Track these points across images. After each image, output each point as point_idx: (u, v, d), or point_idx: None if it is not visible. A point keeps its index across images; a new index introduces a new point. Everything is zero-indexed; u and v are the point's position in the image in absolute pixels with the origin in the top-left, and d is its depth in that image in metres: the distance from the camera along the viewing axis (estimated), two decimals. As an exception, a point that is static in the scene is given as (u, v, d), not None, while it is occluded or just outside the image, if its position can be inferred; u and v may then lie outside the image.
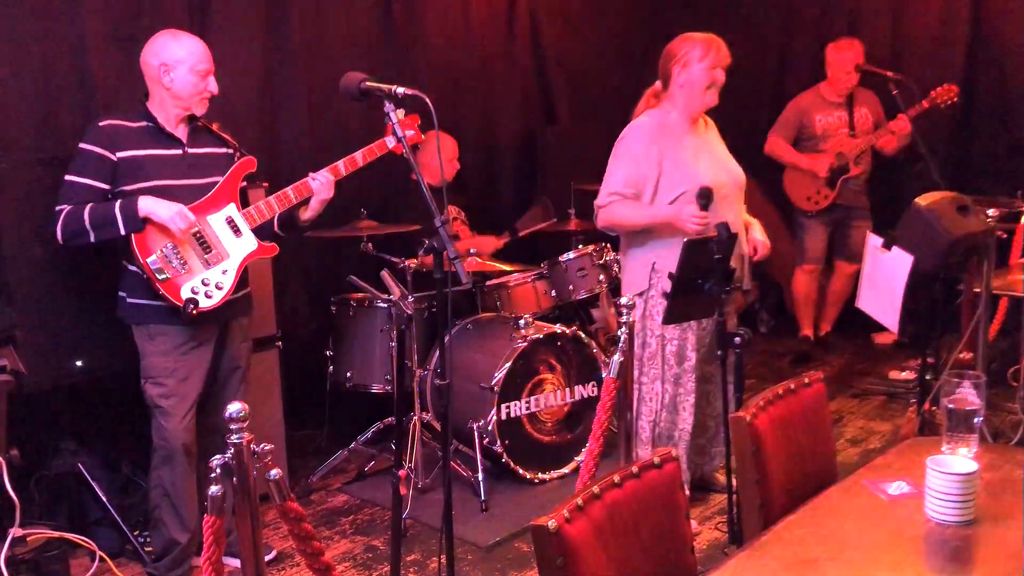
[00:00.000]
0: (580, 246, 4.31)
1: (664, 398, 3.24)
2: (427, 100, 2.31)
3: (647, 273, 3.20)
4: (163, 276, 2.74)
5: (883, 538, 1.72)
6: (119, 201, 2.74)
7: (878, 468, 2.05)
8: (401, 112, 2.44)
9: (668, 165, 3.11)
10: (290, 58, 4.14)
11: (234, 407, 1.74)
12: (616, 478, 1.67)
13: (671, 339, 3.20)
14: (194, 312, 2.76)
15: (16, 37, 3.21)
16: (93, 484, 3.16)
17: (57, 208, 2.75)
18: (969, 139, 5.22)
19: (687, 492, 3.27)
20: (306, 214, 3.04)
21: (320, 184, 2.95)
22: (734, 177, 3.23)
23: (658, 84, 3.26)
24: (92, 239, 2.73)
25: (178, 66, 2.83)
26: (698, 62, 3.08)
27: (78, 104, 3.38)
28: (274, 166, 4.05)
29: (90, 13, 3.39)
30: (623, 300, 2.64)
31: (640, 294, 3.22)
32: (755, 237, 3.29)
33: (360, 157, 3.01)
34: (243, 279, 2.99)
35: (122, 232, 2.72)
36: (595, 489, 1.61)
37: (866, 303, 3.23)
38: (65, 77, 3.36)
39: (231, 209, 2.92)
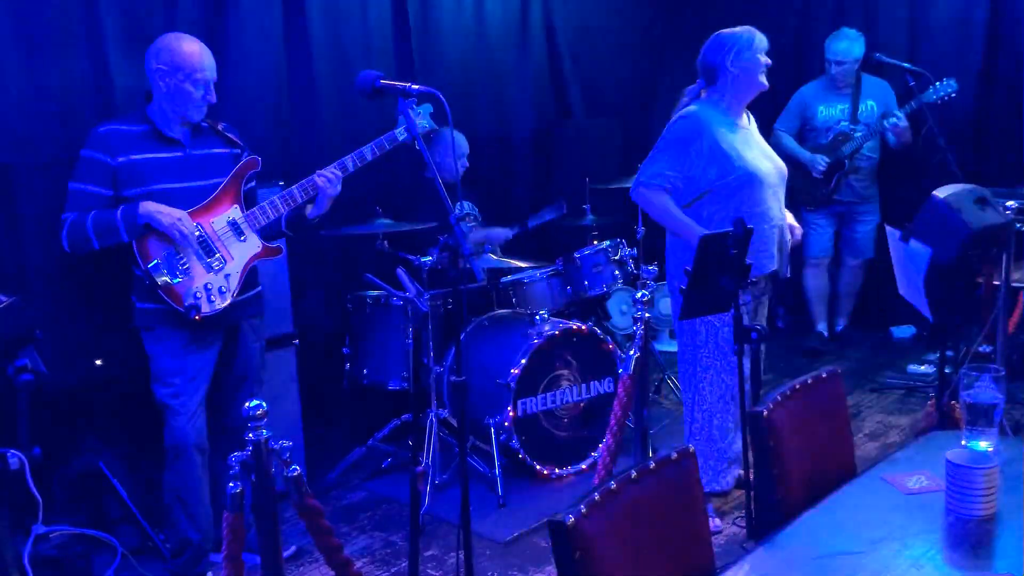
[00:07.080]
0: (595, 242, 4.30)
1: (721, 388, 3.17)
2: (441, 97, 2.32)
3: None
4: (164, 281, 2.73)
5: (902, 533, 1.72)
6: (121, 208, 2.73)
7: (897, 462, 2.04)
8: (417, 109, 2.45)
9: (719, 152, 3.09)
10: (306, 56, 4.15)
11: (252, 405, 1.75)
12: (633, 474, 1.67)
13: (723, 325, 3.09)
14: (197, 317, 2.75)
15: (34, 39, 3.24)
16: (114, 482, 3.19)
17: (62, 217, 2.75)
18: (988, 131, 5.16)
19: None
20: (312, 211, 2.99)
21: (327, 181, 2.93)
22: (778, 168, 3.23)
23: (698, 85, 3.26)
24: (96, 247, 2.73)
25: (175, 72, 2.78)
26: (749, 49, 3.12)
27: (97, 105, 3.40)
28: (290, 164, 4.07)
29: (107, 13, 3.41)
30: (638, 295, 2.64)
31: None
32: (791, 223, 3.30)
33: (369, 152, 3.00)
34: (251, 280, 2.98)
35: (124, 239, 2.71)
36: (612, 485, 1.61)
37: (904, 291, 3.21)
38: (83, 78, 3.38)
39: (234, 211, 2.90)
